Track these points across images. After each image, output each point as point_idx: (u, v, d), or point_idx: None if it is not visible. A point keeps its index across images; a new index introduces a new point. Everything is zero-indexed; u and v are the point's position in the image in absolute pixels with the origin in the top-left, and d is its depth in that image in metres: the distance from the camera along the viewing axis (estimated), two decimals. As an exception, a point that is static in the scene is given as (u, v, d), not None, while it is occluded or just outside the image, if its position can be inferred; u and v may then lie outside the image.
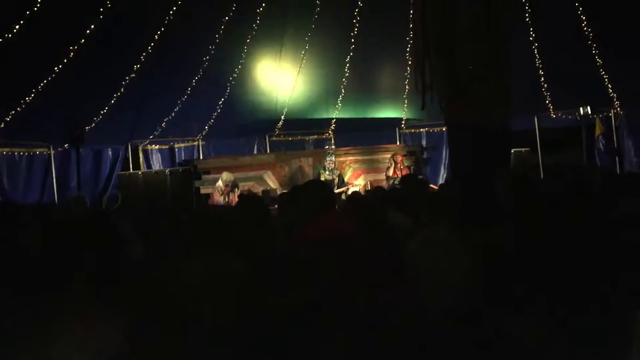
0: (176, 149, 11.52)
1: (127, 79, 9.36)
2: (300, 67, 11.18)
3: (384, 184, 10.49)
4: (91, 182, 10.27)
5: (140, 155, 11.01)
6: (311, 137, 12.59)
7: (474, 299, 1.86)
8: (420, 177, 9.89)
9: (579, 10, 9.42)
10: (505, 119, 4.39)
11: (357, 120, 12.38)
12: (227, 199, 9.53)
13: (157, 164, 11.15)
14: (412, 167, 11.59)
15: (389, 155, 11.23)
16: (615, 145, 10.88)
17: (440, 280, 1.94)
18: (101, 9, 8.16)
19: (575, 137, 10.62)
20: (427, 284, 1.93)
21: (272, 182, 11.32)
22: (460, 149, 4.63)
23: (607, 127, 10.99)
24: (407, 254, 2.00)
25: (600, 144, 11.08)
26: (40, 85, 8.53)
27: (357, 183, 11.36)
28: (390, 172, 10.55)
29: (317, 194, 3.32)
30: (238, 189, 9.91)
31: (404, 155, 11.42)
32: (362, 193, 8.99)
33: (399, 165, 10.38)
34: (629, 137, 10.82)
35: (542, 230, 2.71)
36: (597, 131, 10.96)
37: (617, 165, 10.84)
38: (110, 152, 10.65)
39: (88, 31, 8.28)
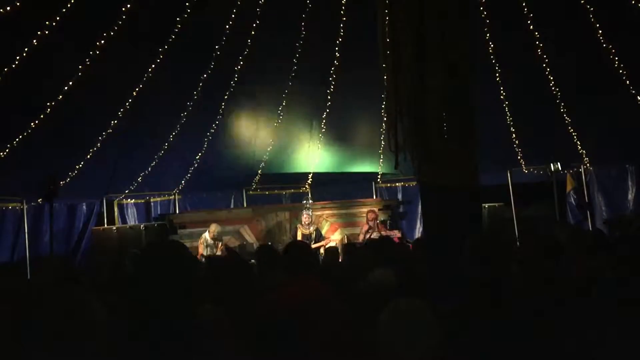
0: (152, 203, 11.46)
1: (103, 134, 9.37)
2: (277, 122, 11.31)
3: (360, 238, 10.48)
4: (64, 237, 10.11)
5: (115, 209, 10.92)
6: (288, 191, 12.65)
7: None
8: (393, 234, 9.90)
9: (546, 70, 9.75)
10: (474, 179, 4.51)
11: (334, 175, 12.49)
12: (212, 252, 9.46)
13: (132, 219, 11.06)
14: (387, 222, 11.67)
15: (365, 210, 11.31)
16: (587, 201, 11.11)
17: (408, 351, 1.97)
18: (79, 67, 8.21)
19: (547, 192, 10.82)
20: (396, 354, 1.96)
21: (249, 237, 11.27)
22: (432, 207, 4.74)
23: (577, 183, 11.23)
24: (378, 324, 2.04)
25: (572, 199, 11.31)
26: (15, 140, 8.49)
27: (334, 237, 11.38)
28: (365, 229, 10.48)
29: (299, 258, 3.32)
30: (222, 242, 9.87)
31: (380, 210, 11.49)
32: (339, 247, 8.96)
33: (370, 222, 10.35)
34: (598, 193, 11.07)
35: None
36: (569, 187, 11.20)
37: (589, 220, 11.04)
38: (84, 207, 10.54)
39: (65, 87, 8.32)
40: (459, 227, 4.25)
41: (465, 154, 4.56)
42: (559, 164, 10.03)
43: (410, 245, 8.54)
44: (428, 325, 1.98)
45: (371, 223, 10.23)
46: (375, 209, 10.98)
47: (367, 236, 10.06)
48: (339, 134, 11.74)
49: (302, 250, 3.38)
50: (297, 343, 2.58)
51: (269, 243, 10.01)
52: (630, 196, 10.80)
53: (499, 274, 3.12)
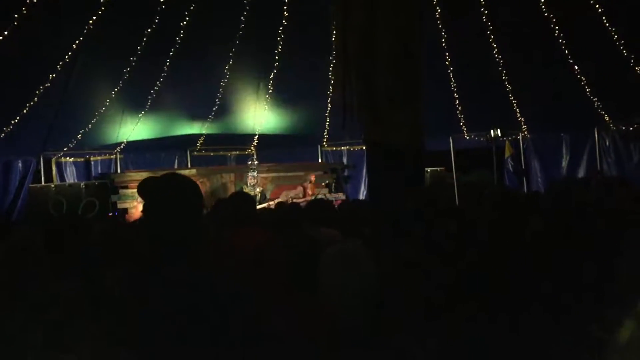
0: (92, 162, 11.15)
1: (41, 88, 9.00)
2: (224, 81, 11.13)
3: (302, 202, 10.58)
4: (-1, 194, 9.77)
5: (53, 167, 10.58)
6: (233, 152, 12.55)
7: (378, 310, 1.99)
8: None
9: (490, 37, 9.97)
10: (418, 141, 4.62)
11: (280, 137, 12.46)
12: None
13: (71, 177, 10.74)
14: (332, 185, 11.83)
15: (310, 172, 11.40)
16: (523, 167, 11.57)
17: (348, 290, 2.05)
18: (15, 16, 7.82)
19: (486, 159, 11.18)
20: (337, 294, 2.04)
21: (192, 197, 11.15)
22: (376, 168, 4.84)
23: (515, 150, 11.65)
24: (319, 265, 2.11)
25: (509, 166, 11.75)
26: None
27: (278, 200, 11.41)
28: (301, 193, 10.66)
29: (238, 207, 3.39)
30: None
31: (325, 173, 11.62)
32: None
33: (308, 189, 10.55)
34: (534, 160, 11.55)
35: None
36: (507, 153, 11.60)
37: (525, 185, 11.51)
38: (20, 164, 10.16)
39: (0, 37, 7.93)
40: (401, 185, 4.38)
41: (410, 115, 4.65)
42: (498, 130, 10.35)
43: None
44: (366, 267, 2.06)
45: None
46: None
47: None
48: (285, 96, 11.67)
49: (244, 199, 3.44)
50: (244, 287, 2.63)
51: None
52: (564, 163, 11.32)
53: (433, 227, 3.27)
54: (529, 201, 5.14)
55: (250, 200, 4.07)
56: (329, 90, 10.91)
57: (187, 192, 2.07)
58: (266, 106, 11.74)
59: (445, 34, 10.04)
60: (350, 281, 2.06)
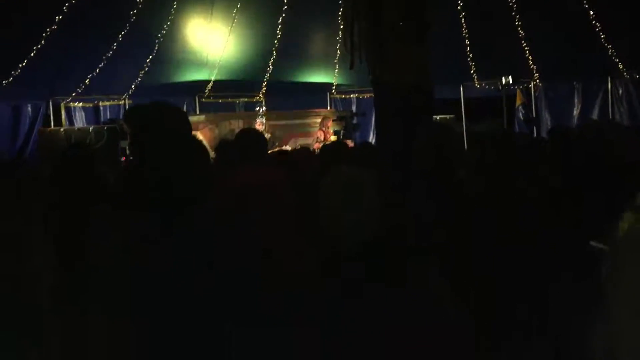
0: (101, 108, 11.14)
1: (48, 31, 8.93)
2: (231, 27, 10.99)
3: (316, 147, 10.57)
4: (9, 138, 9.82)
5: (63, 112, 10.59)
6: (242, 99, 12.49)
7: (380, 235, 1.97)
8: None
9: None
10: (427, 82, 4.59)
11: (289, 84, 12.37)
12: None
13: (80, 122, 10.74)
14: (341, 132, 11.76)
15: (319, 120, 11.31)
16: (534, 116, 11.45)
17: (349, 214, 1.99)
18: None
19: (497, 107, 11.07)
20: (337, 220, 2.00)
21: (201, 144, 11.18)
22: (384, 105, 4.82)
23: (527, 98, 11.51)
24: (320, 188, 2.07)
25: (520, 114, 11.62)
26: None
27: (287, 146, 11.40)
28: (321, 137, 10.60)
29: (250, 142, 3.35)
30: None
31: (333, 120, 11.55)
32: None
33: (327, 130, 10.45)
34: (546, 109, 11.41)
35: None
36: (518, 101, 11.47)
37: (535, 135, 11.40)
38: (29, 108, 10.18)
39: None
40: (410, 123, 4.36)
41: (418, 54, 4.61)
42: (510, 77, 10.20)
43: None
44: (367, 192, 2.01)
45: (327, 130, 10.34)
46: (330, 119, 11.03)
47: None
48: (295, 42, 11.53)
49: (254, 136, 3.43)
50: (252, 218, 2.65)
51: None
52: (575, 112, 11.17)
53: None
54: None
55: (261, 138, 3.90)
56: (339, 37, 10.75)
57: (177, 120, 2.05)
58: (275, 53, 11.61)
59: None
60: (352, 206, 2.00)
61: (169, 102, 2.15)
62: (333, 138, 10.28)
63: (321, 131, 10.47)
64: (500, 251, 2.58)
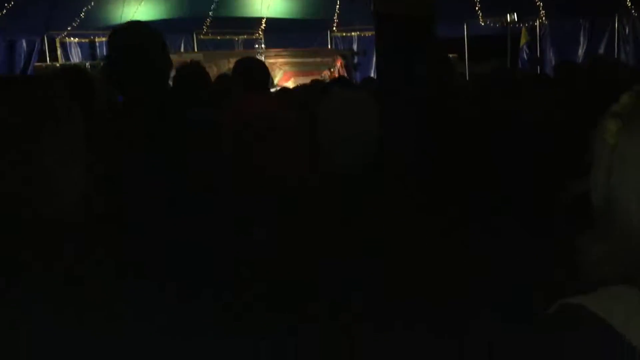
0: (97, 43, 10.93)
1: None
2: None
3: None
4: (4, 73, 9.68)
5: (58, 47, 10.41)
6: (241, 37, 12.24)
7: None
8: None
9: None
10: (429, 8, 4.45)
11: (289, 21, 12.09)
12: None
13: (76, 58, 10.59)
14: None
15: (319, 59, 11.15)
16: (538, 55, 11.24)
17: (348, 138, 1.95)
18: None
19: (501, 46, 10.85)
20: (336, 142, 1.96)
21: (199, 81, 11.03)
22: (386, 38, 4.69)
23: (531, 37, 11.28)
24: (318, 111, 2.02)
25: (524, 53, 11.41)
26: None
27: (286, 85, 11.26)
28: (327, 77, 10.35)
29: (253, 70, 3.25)
30: None
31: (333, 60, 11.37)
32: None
33: (338, 69, 10.25)
34: (551, 48, 11.19)
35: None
36: (523, 40, 11.24)
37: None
38: (24, 43, 10.01)
39: None
40: (412, 56, 4.26)
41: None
42: (515, 14, 9.95)
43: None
44: (368, 112, 1.97)
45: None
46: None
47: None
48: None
49: (256, 64, 3.34)
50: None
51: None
52: (580, 52, 10.96)
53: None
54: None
55: (263, 67, 3.72)
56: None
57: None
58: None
59: None
60: (351, 127, 1.95)
61: (150, 28, 2.09)
62: None
63: (328, 71, 10.26)
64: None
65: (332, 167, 1.98)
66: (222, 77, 4.63)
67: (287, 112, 3.08)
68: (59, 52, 10.36)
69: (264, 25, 12.08)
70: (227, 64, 11.43)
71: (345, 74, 10.31)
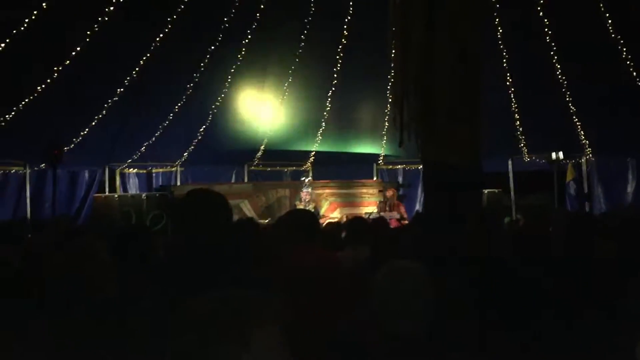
0: (154, 174, 11.51)
1: (109, 102, 9.39)
2: (282, 99, 11.32)
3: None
4: (65, 203, 10.19)
5: (117, 178, 10.98)
6: (289, 168, 12.68)
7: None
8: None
9: (554, 58, 9.75)
10: (476, 160, 4.56)
11: (336, 154, 12.51)
12: None
13: (133, 188, 11.12)
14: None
15: (365, 190, 11.35)
16: (586, 192, 11.16)
17: (402, 308, 2.01)
18: (87, 32, 8.20)
19: (546, 182, 10.88)
20: (390, 311, 2.02)
21: (249, 212, 11.30)
22: (433, 186, 4.79)
23: (578, 173, 11.28)
24: (374, 282, 2.09)
25: (571, 189, 11.36)
26: (20, 103, 8.52)
27: (332, 216, 11.44)
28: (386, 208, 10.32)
29: (301, 224, 3.35)
30: None
31: (379, 192, 11.53)
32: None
33: (389, 200, 10.27)
34: (598, 184, 11.13)
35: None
36: (569, 177, 11.25)
37: (587, 211, 11.09)
38: (86, 174, 10.61)
39: (73, 52, 8.33)
40: (458, 206, 4.31)
41: (468, 135, 4.60)
42: (560, 153, 10.06)
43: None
44: (422, 286, 2.03)
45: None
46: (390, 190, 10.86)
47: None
48: (343, 113, 11.74)
49: (305, 216, 3.43)
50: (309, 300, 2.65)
51: (269, 219, 10.14)
52: (629, 189, 10.87)
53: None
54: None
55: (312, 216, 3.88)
56: (386, 109, 10.91)
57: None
58: (324, 123, 11.83)
59: (507, 53, 9.89)
60: (407, 299, 2.02)
61: (209, 191, 2.29)
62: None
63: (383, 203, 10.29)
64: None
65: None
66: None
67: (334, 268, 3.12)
68: (117, 183, 10.91)
69: (312, 157, 12.51)
70: (275, 195, 11.80)
71: (399, 204, 10.30)
